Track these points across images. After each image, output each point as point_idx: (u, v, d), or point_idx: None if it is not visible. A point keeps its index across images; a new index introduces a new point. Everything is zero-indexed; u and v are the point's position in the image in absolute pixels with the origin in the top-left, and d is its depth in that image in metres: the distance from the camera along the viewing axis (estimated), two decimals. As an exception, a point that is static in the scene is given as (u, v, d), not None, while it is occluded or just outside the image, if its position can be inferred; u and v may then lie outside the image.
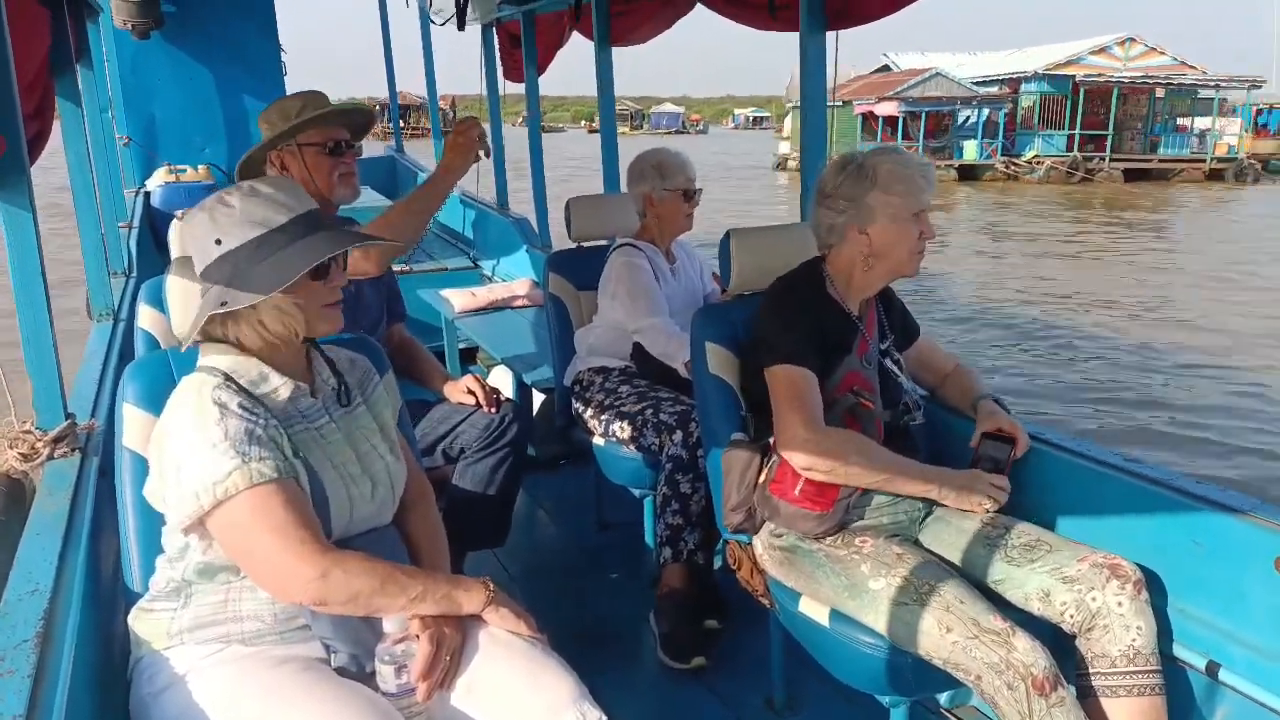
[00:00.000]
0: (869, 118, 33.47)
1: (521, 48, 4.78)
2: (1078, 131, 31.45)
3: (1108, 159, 31.29)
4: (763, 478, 2.03)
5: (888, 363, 2.10)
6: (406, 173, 7.81)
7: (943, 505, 2.04)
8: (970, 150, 32.64)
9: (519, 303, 4.51)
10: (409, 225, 2.37)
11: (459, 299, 4.45)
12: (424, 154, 8.36)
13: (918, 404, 2.11)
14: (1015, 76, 33.40)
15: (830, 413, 1.94)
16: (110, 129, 5.55)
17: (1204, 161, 31.67)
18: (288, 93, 2.59)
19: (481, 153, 2.46)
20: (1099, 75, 31.47)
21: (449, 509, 2.40)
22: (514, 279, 4.94)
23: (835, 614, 1.87)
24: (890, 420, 2.03)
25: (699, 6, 3.42)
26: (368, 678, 1.44)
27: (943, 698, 2.26)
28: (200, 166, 5.76)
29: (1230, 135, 33.45)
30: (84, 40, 4.15)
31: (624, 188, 3.16)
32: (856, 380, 1.99)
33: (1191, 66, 32.98)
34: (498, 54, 5.35)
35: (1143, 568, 1.77)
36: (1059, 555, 1.81)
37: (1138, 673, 1.68)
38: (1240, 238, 18.37)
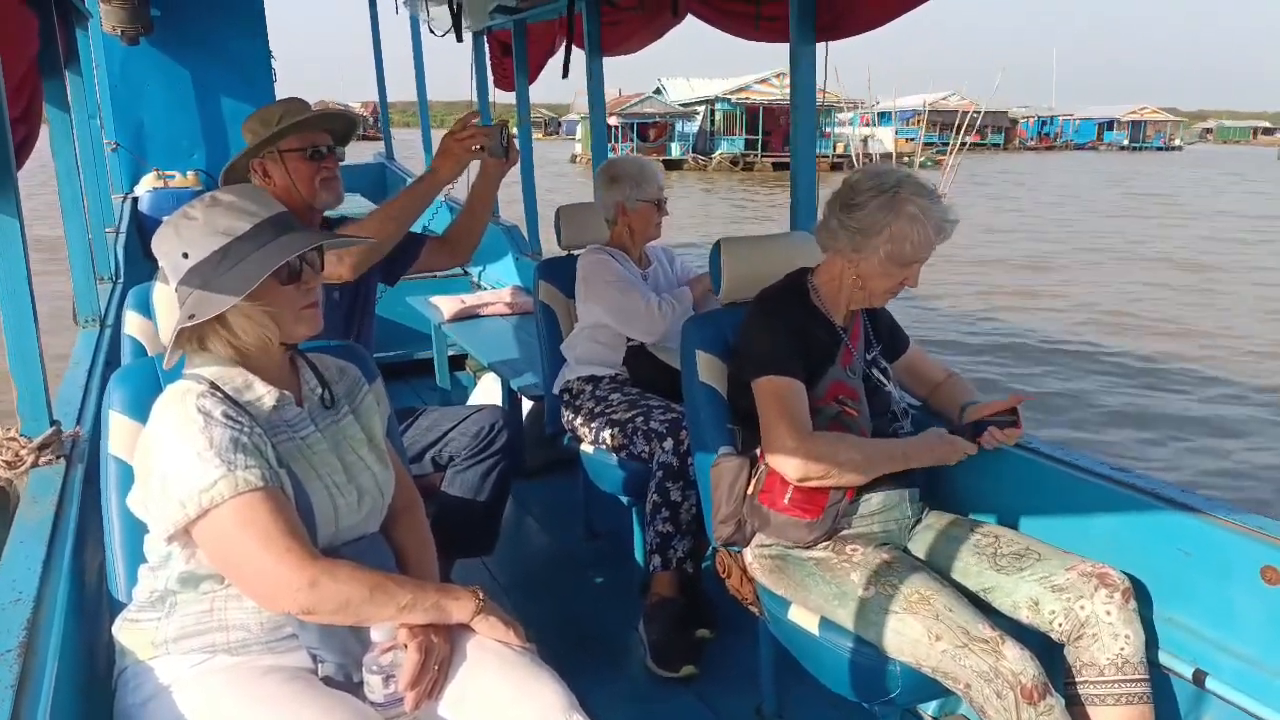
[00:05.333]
0: (610, 127, 45.49)
1: (512, 56, 4.79)
2: (743, 136, 47.30)
3: (759, 155, 46.00)
4: (751, 488, 2.03)
5: (874, 372, 2.10)
6: (396, 179, 7.78)
7: (933, 513, 2.06)
8: (675, 150, 48.43)
9: (508, 310, 4.50)
10: (386, 231, 2.35)
11: (448, 305, 4.44)
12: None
13: (905, 412, 2.12)
14: (711, 98, 48.16)
15: (815, 421, 1.94)
16: (98, 134, 5.53)
17: (828, 157, 42.88)
18: (278, 99, 2.61)
19: (486, 153, 2.41)
20: (746, 99, 46.35)
21: (438, 517, 2.39)
22: (503, 286, 4.94)
23: (825, 622, 1.87)
24: (877, 429, 2.03)
25: (689, 17, 3.43)
26: (355, 688, 1.43)
27: (932, 706, 2.26)
28: (189, 172, 5.74)
29: (887, 140, 46.06)
30: (73, 46, 4.13)
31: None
32: (842, 389, 1.99)
33: (825, 92, 44.08)
34: (489, 62, 5.35)
35: (1131, 577, 1.77)
36: (1048, 564, 1.81)
37: (1125, 681, 1.69)
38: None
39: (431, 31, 5.49)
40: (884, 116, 52.26)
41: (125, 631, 1.48)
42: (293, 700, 1.35)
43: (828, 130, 45.87)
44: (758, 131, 46.01)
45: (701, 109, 48.17)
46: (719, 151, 46.73)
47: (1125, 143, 76.32)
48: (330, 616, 1.37)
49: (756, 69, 48.83)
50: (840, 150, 43.55)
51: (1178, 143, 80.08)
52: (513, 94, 4.95)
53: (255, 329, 1.45)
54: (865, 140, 43.04)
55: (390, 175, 7.95)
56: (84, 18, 4.76)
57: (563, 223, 3.24)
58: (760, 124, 45.98)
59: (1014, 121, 74.61)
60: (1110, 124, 78.43)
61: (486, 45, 5.29)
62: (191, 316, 1.40)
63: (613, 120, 44.96)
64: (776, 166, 43.77)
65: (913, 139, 50.44)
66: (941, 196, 1.96)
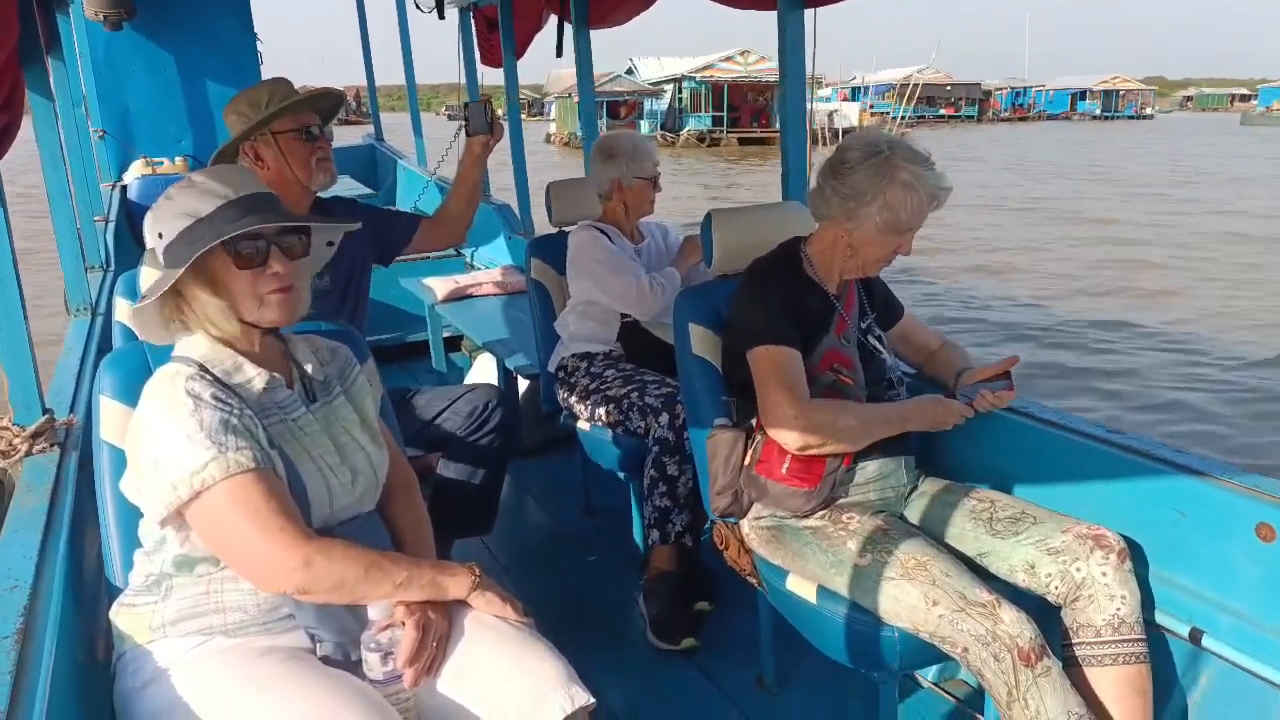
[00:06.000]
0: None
1: (498, 32, 4.74)
2: (710, 114, 48.14)
3: (725, 132, 46.96)
4: (748, 460, 2.03)
5: (869, 340, 2.10)
6: (386, 160, 7.74)
7: (928, 480, 2.06)
8: (645, 127, 47.89)
9: (501, 289, 4.48)
10: None
11: (441, 286, 4.42)
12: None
13: (901, 380, 2.12)
14: (679, 76, 49.35)
15: (810, 390, 1.94)
16: (84, 122, 5.48)
17: None
18: (259, 81, 2.58)
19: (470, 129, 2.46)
20: (711, 77, 47.39)
21: (434, 497, 2.40)
22: (496, 265, 4.92)
23: (823, 591, 1.87)
24: (872, 397, 2.03)
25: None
26: (354, 666, 1.43)
27: (930, 671, 2.28)
28: (178, 159, 5.69)
29: (853, 115, 47.06)
30: (54, 32, 4.08)
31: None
32: (836, 358, 1.99)
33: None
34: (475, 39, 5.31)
35: (1126, 538, 1.78)
36: (1043, 527, 1.82)
37: (1122, 641, 1.69)
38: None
39: (418, 7, 5.43)
40: (863, 91, 54.31)
41: (122, 616, 1.48)
42: (291, 680, 1.36)
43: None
44: (723, 108, 47.64)
45: (669, 87, 49.58)
46: (686, 128, 47.72)
47: (1097, 112, 77.87)
48: (326, 595, 1.38)
49: (725, 47, 49.71)
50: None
51: (1149, 111, 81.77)
52: (500, 71, 4.91)
53: (216, 312, 1.45)
54: (831, 115, 44.27)
55: (380, 156, 7.89)
56: (65, 3, 4.71)
57: (554, 199, 3.22)
58: (725, 101, 47.58)
59: (987, 93, 76.69)
60: (1083, 94, 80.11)
61: (472, 21, 5.25)
62: (144, 296, 1.42)
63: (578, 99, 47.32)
64: (742, 142, 45.42)
65: (886, 112, 52.00)
66: (935, 163, 1.94)
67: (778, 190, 2.91)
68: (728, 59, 48.23)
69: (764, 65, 46.75)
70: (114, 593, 1.56)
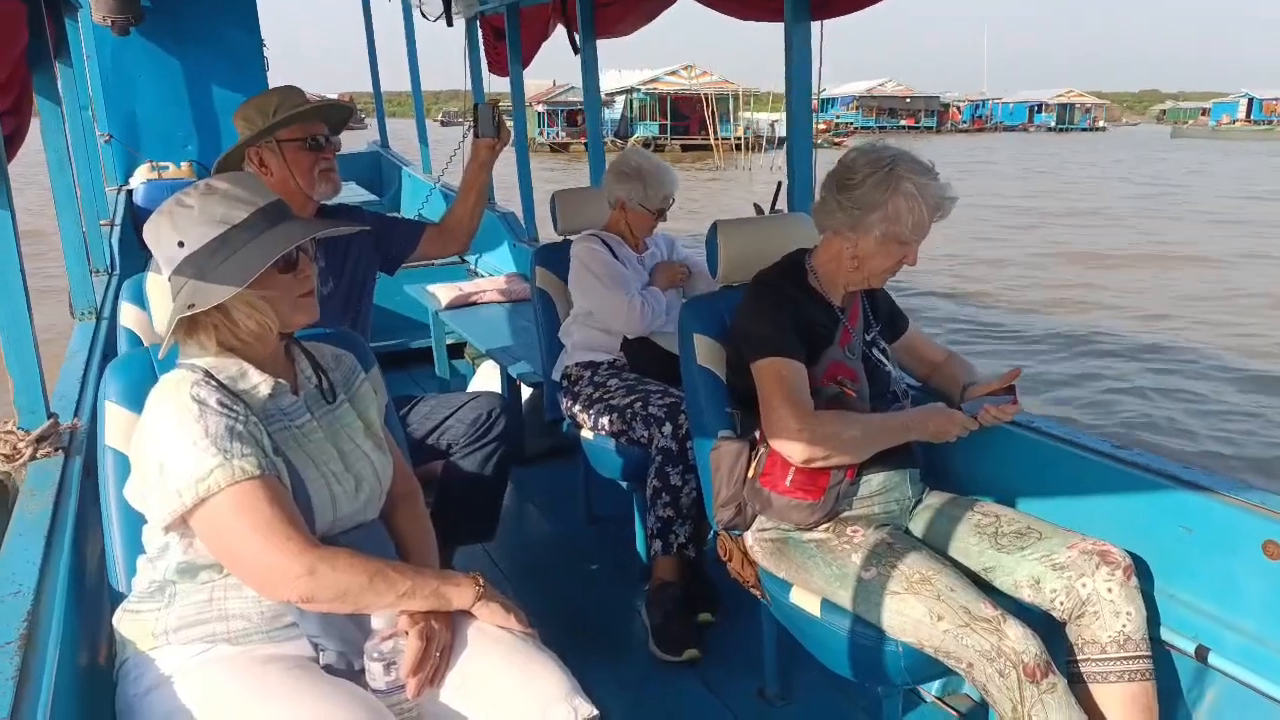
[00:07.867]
0: (538, 114, 51.82)
1: (505, 41, 4.75)
2: (658, 122, 51.79)
3: (669, 139, 49.53)
4: (751, 472, 2.02)
5: (874, 353, 2.09)
6: (391, 167, 7.76)
7: (934, 494, 2.05)
8: None
9: (505, 297, 4.48)
10: None
11: (445, 293, 4.42)
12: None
13: (905, 392, 2.11)
14: (630, 88, 52.67)
15: (814, 402, 1.93)
16: (91, 126, 5.50)
17: (729, 139, 47.82)
18: (270, 88, 2.58)
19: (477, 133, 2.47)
20: (656, 89, 51.22)
21: (438, 504, 2.39)
22: (500, 273, 4.92)
23: (826, 604, 1.87)
24: (876, 410, 2.03)
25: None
26: (357, 675, 1.43)
27: (935, 686, 2.27)
28: (183, 163, 5.71)
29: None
30: (63, 37, 4.10)
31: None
32: (840, 370, 1.99)
33: (730, 83, 51.02)
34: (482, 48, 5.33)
35: (1132, 554, 1.77)
36: (1049, 542, 1.81)
37: (1128, 658, 1.69)
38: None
39: (423, 15, 5.44)
40: (830, 102, 58.65)
41: (125, 622, 1.48)
42: (294, 689, 1.35)
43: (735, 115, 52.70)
44: (668, 117, 51.33)
45: (621, 98, 52.52)
46: (635, 135, 49.26)
47: (1053, 124, 79.51)
48: (329, 604, 1.37)
49: (684, 60, 53.02)
50: (740, 133, 48.06)
51: (1101, 124, 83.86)
52: (507, 79, 4.93)
53: (255, 318, 1.44)
54: (773, 124, 45.92)
55: (385, 163, 7.91)
56: (74, 8, 4.73)
57: (559, 208, 3.22)
58: (670, 111, 51.02)
59: (946, 106, 79.24)
60: (1039, 107, 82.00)
61: (480, 30, 5.26)
62: (191, 306, 1.38)
63: (540, 108, 50.02)
64: (685, 148, 48.82)
65: (850, 122, 56.60)
66: (939, 173, 1.94)
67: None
68: (673, 73, 51.78)
69: (706, 79, 50.17)
70: (117, 599, 1.56)
